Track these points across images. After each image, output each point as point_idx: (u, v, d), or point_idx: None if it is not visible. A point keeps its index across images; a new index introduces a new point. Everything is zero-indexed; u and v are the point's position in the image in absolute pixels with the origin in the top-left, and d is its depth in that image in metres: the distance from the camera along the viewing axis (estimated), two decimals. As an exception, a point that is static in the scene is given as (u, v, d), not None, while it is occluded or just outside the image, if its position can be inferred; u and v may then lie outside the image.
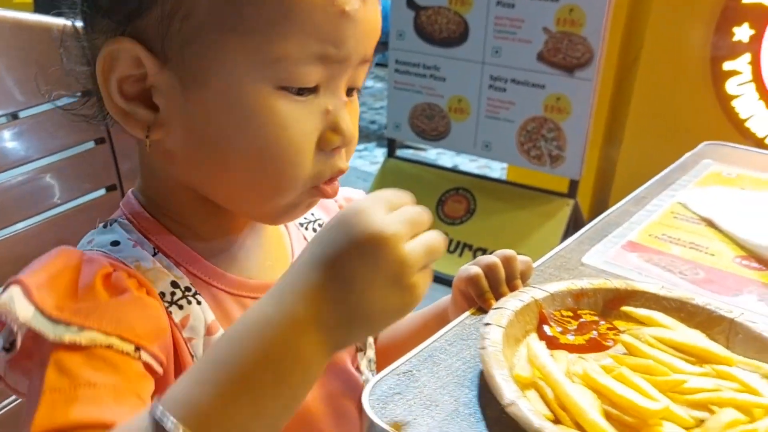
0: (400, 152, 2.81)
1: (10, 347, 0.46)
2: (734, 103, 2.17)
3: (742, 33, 2.10)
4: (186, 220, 0.55)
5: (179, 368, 0.51)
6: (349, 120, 0.52)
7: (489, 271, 0.60)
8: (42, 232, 0.85)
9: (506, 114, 2.33)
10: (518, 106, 2.29)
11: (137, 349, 0.46)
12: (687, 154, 1.04)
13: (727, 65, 2.15)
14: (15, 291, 0.44)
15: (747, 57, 2.11)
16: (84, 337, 0.44)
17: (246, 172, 0.50)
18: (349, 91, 0.53)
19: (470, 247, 2.37)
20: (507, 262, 0.61)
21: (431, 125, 2.47)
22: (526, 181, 2.46)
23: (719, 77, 2.18)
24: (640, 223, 0.80)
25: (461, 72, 2.35)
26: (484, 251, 2.35)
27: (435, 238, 0.45)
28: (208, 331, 0.53)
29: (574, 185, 2.31)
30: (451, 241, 2.41)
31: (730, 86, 2.16)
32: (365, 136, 3.68)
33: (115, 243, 0.52)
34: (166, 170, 0.54)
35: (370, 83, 4.16)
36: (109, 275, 0.48)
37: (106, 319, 0.45)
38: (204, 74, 0.48)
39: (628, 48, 2.35)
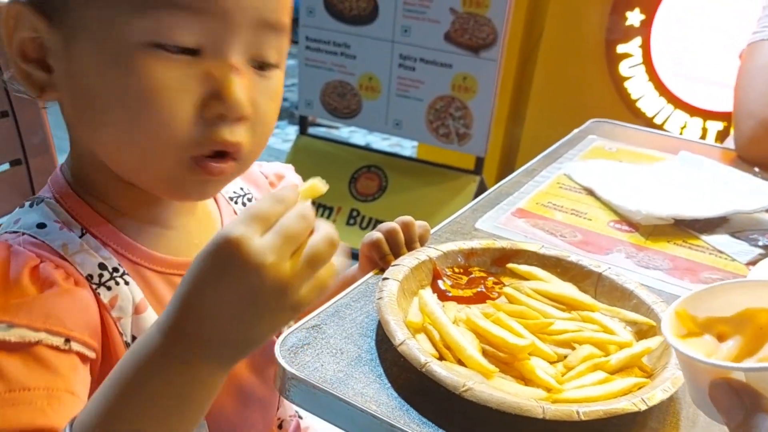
0: (312, 130, 2.84)
1: None
2: (626, 84, 2.32)
3: (634, 17, 2.24)
4: (109, 198, 0.55)
5: (109, 348, 0.52)
6: (241, 89, 0.49)
7: (389, 235, 0.66)
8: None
9: (416, 93, 2.39)
10: (427, 85, 2.36)
11: (67, 340, 0.47)
12: (575, 130, 1.14)
13: (620, 48, 2.29)
14: None
15: (638, 41, 2.26)
16: (13, 335, 0.45)
17: (119, 133, 0.50)
18: (260, 66, 0.52)
19: (382, 223, 2.43)
20: (406, 227, 0.67)
21: (343, 103, 2.51)
22: (435, 158, 2.54)
23: (613, 59, 2.32)
24: (529, 192, 0.89)
25: (372, 50, 2.39)
26: (396, 226, 2.42)
27: (318, 245, 0.42)
28: (137, 310, 0.54)
29: (480, 162, 2.41)
30: (363, 218, 2.46)
31: (623, 68, 2.31)
32: (278, 113, 3.67)
33: (42, 225, 0.52)
34: (77, 141, 0.55)
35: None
36: (36, 268, 0.49)
37: (34, 315, 0.46)
38: (81, 30, 0.48)
39: (530, 30, 2.46)
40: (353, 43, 2.42)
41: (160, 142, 0.49)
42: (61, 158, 0.95)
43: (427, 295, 0.58)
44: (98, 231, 0.54)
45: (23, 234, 0.52)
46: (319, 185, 0.46)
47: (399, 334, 0.52)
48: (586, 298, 0.61)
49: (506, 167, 2.66)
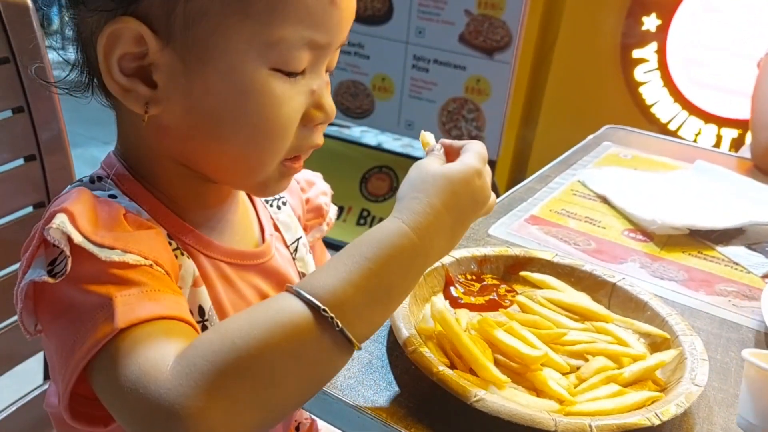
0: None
1: (52, 272, 0.47)
2: (641, 89, 2.31)
3: (650, 23, 2.23)
4: (167, 190, 0.57)
5: None
6: (330, 98, 0.55)
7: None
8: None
9: (429, 94, 2.39)
10: (440, 87, 2.36)
11: (167, 275, 0.50)
12: (589, 137, 1.13)
13: (635, 53, 2.28)
14: (63, 218, 0.47)
15: (654, 46, 2.25)
16: (130, 258, 0.47)
17: (239, 145, 0.53)
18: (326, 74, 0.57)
19: (392, 222, 2.43)
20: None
21: (355, 103, 2.51)
22: (447, 160, 2.54)
23: (628, 64, 2.30)
24: (543, 199, 0.88)
25: (385, 51, 2.39)
26: (406, 227, 2.41)
27: (488, 170, 0.56)
28: (195, 283, 0.56)
29: (491, 165, 2.39)
30: (374, 218, 2.46)
31: (638, 73, 2.30)
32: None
33: (113, 196, 0.54)
34: (153, 142, 0.56)
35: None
36: (127, 214, 0.51)
37: (143, 246, 0.48)
38: (207, 54, 0.50)
39: (545, 34, 2.45)
40: (367, 44, 2.42)
41: (273, 151, 0.54)
42: (75, 154, 0.96)
43: (439, 302, 0.57)
44: (154, 212, 0.56)
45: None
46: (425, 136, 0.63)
47: (410, 342, 0.51)
48: (599, 309, 0.60)
49: (518, 171, 2.65)
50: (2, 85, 0.85)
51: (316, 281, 0.45)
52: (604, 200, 0.89)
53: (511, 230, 0.78)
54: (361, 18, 2.39)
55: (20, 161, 0.93)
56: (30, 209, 0.90)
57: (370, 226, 2.45)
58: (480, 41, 2.25)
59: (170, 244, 0.55)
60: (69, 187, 0.56)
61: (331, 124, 3.34)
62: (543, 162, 1.02)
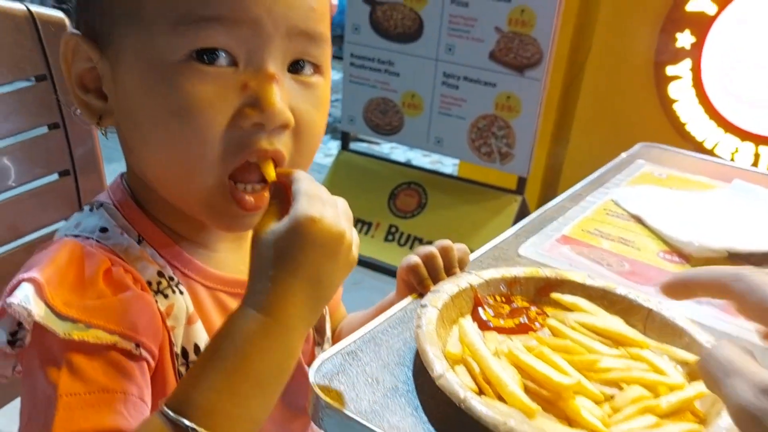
0: (354, 145, 2.84)
1: (12, 341, 0.48)
2: (675, 106, 2.27)
3: (684, 39, 2.19)
4: (162, 215, 0.57)
5: (160, 357, 0.53)
6: (279, 97, 0.49)
7: (427, 260, 0.64)
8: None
9: (458, 111, 2.38)
10: (470, 104, 2.35)
11: (137, 346, 0.49)
12: (622, 155, 1.11)
13: (669, 70, 2.25)
14: (28, 289, 0.46)
15: (688, 63, 2.21)
16: (91, 335, 0.46)
17: (160, 152, 0.51)
18: (300, 76, 0.52)
19: (421, 240, 2.42)
20: (444, 251, 0.65)
21: (385, 120, 2.51)
22: (476, 177, 2.52)
23: (662, 81, 2.27)
24: (575, 218, 0.86)
25: (415, 68, 2.39)
26: (434, 244, 2.39)
27: (345, 205, 0.51)
28: (189, 321, 0.55)
29: (522, 182, 2.38)
30: (401, 235, 2.45)
31: (672, 90, 2.26)
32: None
33: (104, 229, 0.54)
34: (132, 165, 0.57)
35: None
36: (109, 270, 0.50)
37: (110, 317, 0.48)
38: (124, 54, 0.50)
39: (577, 50, 2.43)
40: (397, 61, 2.42)
41: (195, 157, 0.50)
42: (108, 169, 0.97)
43: (468, 325, 0.56)
44: (153, 240, 0.55)
45: (89, 238, 0.53)
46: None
47: (438, 366, 0.50)
48: (634, 334, 0.58)
49: (549, 188, 2.62)
50: (39, 101, 0.87)
51: (178, 394, 0.45)
52: (639, 220, 0.87)
53: (541, 250, 0.76)
54: (391, 36, 2.39)
55: (55, 176, 0.94)
56: (63, 223, 0.92)
57: (398, 242, 2.44)
58: (510, 58, 2.23)
59: (161, 281, 0.54)
60: (61, 230, 0.56)
61: (361, 140, 3.34)
62: (575, 180, 1.00)
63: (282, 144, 0.51)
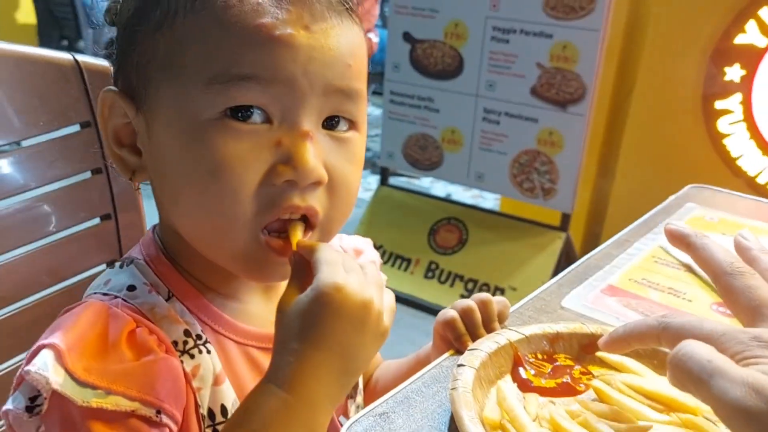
0: (393, 180, 2.84)
1: (31, 408, 0.47)
2: (725, 141, 2.20)
3: (734, 73, 2.14)
4: (194, 270, 0.56)
5: (185, 420, 0.52)
6: (312, 154, 0.49)
7: (465, 314, 0.62)
8: (37, 260, 0.87)
9: (499, 146, 2.36)
10: (511, 139, 2.33)
11: (159, 412, 0.48)
12: (671, 197, 1.07)
13: (718, 104, 2.19)
14: (48, 356, 0.46)
15: (738, 97, 2.15)
16: (109, 402, 0.45)
17: (193, 209, 0.50)
18: (332, 124, 0.52)
19: (461, 277, 2.38)
20: (483, 305, 0.63)
21: (424, 155, 2.50)
22: (518, 212, 2.48)
23: (711, 115, 2.21)
24: (621, 266, 0.82)
25: (455, 104, 2.38)
26: (475, 282, 2.36)
27: (374, 272, 0.49)
28: (216, 381, 0.54)
29: (566, 218, 2.33)
30: (442, 272, 2.42)
31: (722, 125, 2.20)
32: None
33: (131, 288, 0.53)
34: (164, 218, 0.56)
35: (367, 111, 4.18)
36: (133, 332, 0.49)
37: (131, 383, 0.47)
38: (158, 110, 0.50)
39: (621, 84, 2.39)
40: (437, 97, 2.42)
41: (227, 214, 0.49)
42: (147, 207, 0.98)
43: (507, 387, 0.53)
44: (183, 296, 0.55)
45: (117, 297, 0.53)
46: None
47: (474, 433, 0.47)
48: (687, 399, 0.54)
49: (595, 225, 2.56)
50: (83, 147, 0.89)
51: None
52: (689, 269, 0.83)
53: (586, 302, 0.73)
54: (431, 73, 2.40)
55: (96, 220, 0.96)
56: (103, 266, 0.92)
57: (438, 279, 2.41)
58: (552, 94, 2.21)
59: (187, 341, 0.53)
60: (92, 287, 0.56)
61: (401, 175, 3.34)
62: (621, 216, 0.96)
63: (316, 200, 0.51)
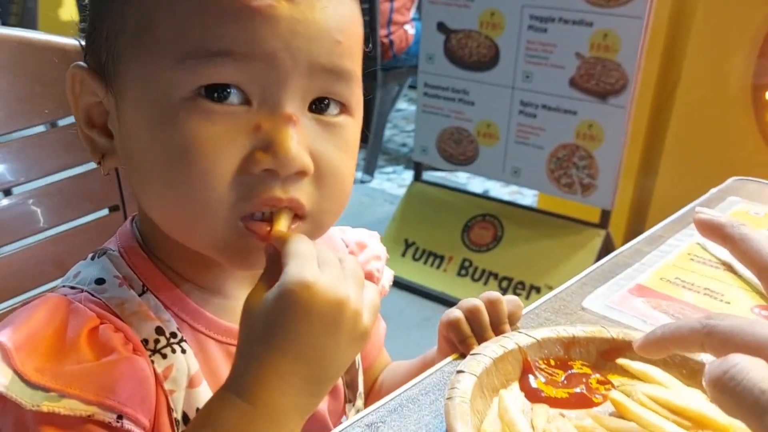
0: (429, 175, 2.78)
1: None
2: (776, 134, 2.08)
3: (787, 62, 2.02)
4: (171, 261, 0.52)
5: (156, 425, 0.48)
6: (296, 141, 0.44)
7: (471, 315, 0.56)
8: (43, 251, 0.85)
9: (536, 140, 2.27)
10: (549, 133, 2.24)
11: (120, 417, 0.44)
12: (712, 190, 0.99)
13: (769, 95, 2.07)
14: None
15: (791, 87, 2.03)
16: (63, 406, 0.42)
17: (164, 194, 0.46)
18: (321, 108, 0.47)
19: (495, 275, 2.31)
20: (492, 305, 0.57)
21: (459, 149, 2.43)
22: (557, 209, 2.39)
23: (760, 107, 2.09)
24: (653, 264, 0.75)
25: (491, 96, 2.31)
26: (510, 280, 2.29)
27: (354, 267, 0.44)
28: (191, 384, 0.50)
29: (606, 215, 2.24)
30: (475, 269, 2.35)
31: (773, 117, 2.08)
32: (394, 158, 3.65)
33: (100, 281, 0.50)
34: (139, 204, 0.52)
35: (403, 106, 4.13)
36: (95, 330, 0.46)
37: (88, 385, 0.43)
38: (128, 90, 0.46)
39: (666, 75, 2.28)
40: (472, 90, 2.35)
41: (201, 202, 0.45)
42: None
43: (509, 398, 0.47)
44: (159, 290, 0.51)
45: (83, 291, 0.49)
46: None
47: (467, 451, 0.41)
48: (718, 415, 0.48)
49: (637, 222, 2.46)
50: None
51: None
52: (729, 268, 0.75)
53: (610, 303, 0.66)
54: (466, 64, 2.33)
55: (105, 211, 0.93)
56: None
57: (472, 277, 2.34)
58: (592, 85, 2.12)
59: (159, 339, 0.48)
60: (62, 281, 0.52)
61: (437, 169, 3.27)
62: (664, 214, 0.89)
63: (301, 192, 0.46)
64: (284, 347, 0.40)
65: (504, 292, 2.28)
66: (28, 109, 0.83)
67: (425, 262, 2.43)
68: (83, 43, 0.51)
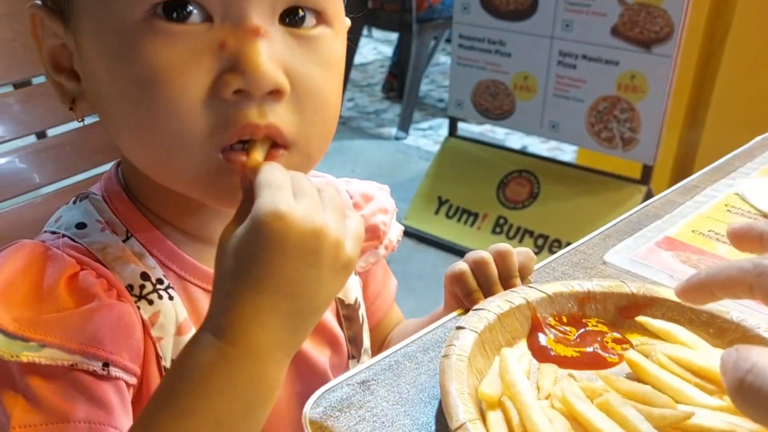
0: (463, 130, 2.71)
1: None
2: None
3: None
4: (153, 204, 0.49)
5: (145, 372, 0.46)
6: (267, 57, 0.39)
7: (477, 267, 0.52)
8: (51, 205, 0.84)
9: (576, 93, 2.18)
10: (589, 85, 2.14)
11: (105, 365, 0.42)
12: (757, 138, 0.91)
13: (828, 43, 1.93)
14: None
15: None
16: (44, 355, 0.40)
17: (134, 132, 0.43)
18: (295, 21, 0.42)
19: (531, 233, 2.25)
20: (501, 256, 0.53)
21: (495, 103, 2.35)
22: (597, 165, 2.30)
23: (818, 56, 1.95)
24: (685, 216, 0.69)
25: (528, 47, 2.21)
26: (546, 238, 2.22)
27: (333, 195, 0.40)
28: (179, 331, 0.47)
29: (647, 171, 2.14)
30: (510, 227, 2.29)
31: (830, 67, 1.94)
32: (431, 114, 3.57)
33: (81, 225, 0.47)
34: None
35: (442, 59, 4.02)
36: (75, 276, 0.43)
37: (69, 333, 0.41)
38: (82, 23, 0.42)
39: (715, 22, 2.15)
40: (508, 40, 2.25)
41: (174, 135, 0.41)
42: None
43: (511, 357, 0.43)
44: (144, 237, 0.48)
45: (63, 236, 0.46)
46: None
47: (459, 413, 0.38)
48: (747, 378, 0.43)
49: (680, 178, 2.32)
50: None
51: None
52: (771, 220, 0.69)
53: (635, 256, 0.61)
54: (502, 14, 2.23)
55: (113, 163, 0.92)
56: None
57: (507, 234, 2.29)
58: (636, 33, 2.01)
59: (144, 285, 0.46)
60: (46, 226, 0.49)
61: (465, 121, 3.18)
62: (710, 168, 0.83)
63: (278, 117, 0.41)
64: (260, 282, 0.37)
65: (539, 250, 2.23)
66: (34, 59, 0.81)
67: (459, 220, 2.38)
68: None
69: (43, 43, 0.45)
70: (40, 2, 0.45)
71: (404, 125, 3.26)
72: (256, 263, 0.37)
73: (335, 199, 0.40)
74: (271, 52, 0.40)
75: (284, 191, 0.37)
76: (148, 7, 0.39)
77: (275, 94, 0.40)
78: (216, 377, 0.37)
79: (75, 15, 0.43)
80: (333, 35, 0.44)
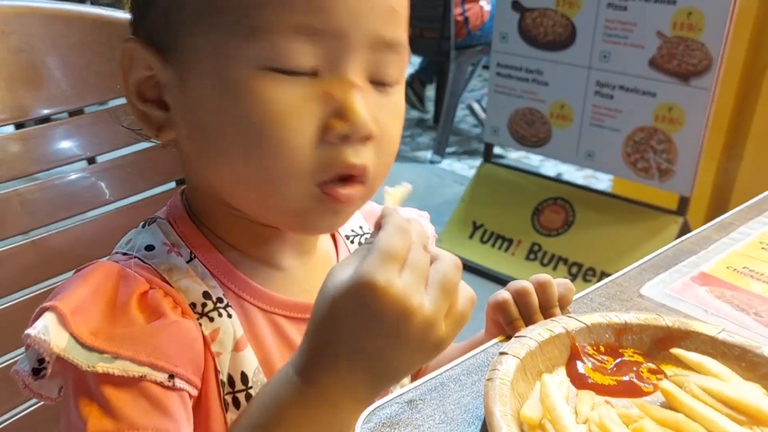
0: (500, 156, 2.74)
1: (38, 370, 0.46)
2: None
3: None
4: (221, 232, 0.53)
5: (204, 386, 0.50)
6: (363, 107, 0.45)
7: (519, 296, 0.55)
8: (112, 222, 0.88)
9: (612, 122, 2.20)
10: (626, 115, 2.16)
11: (171, 377, 0.45)
12: (794, 177, 0.93)
13: None
14: (50, 319, 0.44)
15: None
16: (116, 367, 0.44)
17: (238, 165, 0.47)
18: (379, 85, 0.48)
19: (565, 261, 2.26)
20: (541, 287, 0.56)
21: (531, 131, 2.38)
22: (633, 195, 2.31)
23: None
24: (720, 252, 0.72)
25: (565, 77, 2.24)
26: (580, 266, 2.23)
27: (447, 273, 0.41)
28: (236, 347, 0.51)
29: (684, 202, 2.14)
30: (545, 254, 2.30)
31: None
32: (466, 139, 3.60)
33: (150, 247, 0.51)
34: (194, 177, 0.54)
35: (477, 85, 4.06)
36: (145, 294, 0.47)
37: (140, 347, 0.45)
38: (194, 62, 0.46)
39: (755, 56, 2.15)
40: (546, 70, 2.29)
41: (282, 172, 0.46)
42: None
43: (551, 382, 0.46)
44: (206, 258, 0.52)
45: (134, 257, 0.51)
46: (406, 185, 0.50)
47: (503, 433, 0.41)
48: (777, 411, 0.45)
49: (717, 210, 2.34)
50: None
51: None
52: (806, 259, 0.71)
53: (670, 290, 0.64)
54: (540, 43, 2.27)
55: (172, 184, 0.96)
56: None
57: (541, 261, 2.30)
58: (674, 65, 2.03)
59: (206, 303, 0.50)
60: (116, 248, 0.53)
61: (500, 146, 3.21)
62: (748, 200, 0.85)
63: (367, 158, 0.47)
64: (339, 342, 0.40)
65: (573, 278, 2.23)
66: (104, 84, 0.86)
67: (493, 245, 2.40)
68: (131, 16, 0.52)
69: (129, 74, 0.49)
70: (135, 38, 0.49)
71: (440, 149, 3.30)
72: (340, 323, 0.40)
73: (447, 275, 0.41)
74: (366, 104, 0.45)
75: (392, 263, 0.40)
76: (268, 60, 0.44)
77: (367, 138, 0.46)
78: (295, 412, 0.41)
79: (184, 53, 0.47)
80: (400, 89, 0.50)
